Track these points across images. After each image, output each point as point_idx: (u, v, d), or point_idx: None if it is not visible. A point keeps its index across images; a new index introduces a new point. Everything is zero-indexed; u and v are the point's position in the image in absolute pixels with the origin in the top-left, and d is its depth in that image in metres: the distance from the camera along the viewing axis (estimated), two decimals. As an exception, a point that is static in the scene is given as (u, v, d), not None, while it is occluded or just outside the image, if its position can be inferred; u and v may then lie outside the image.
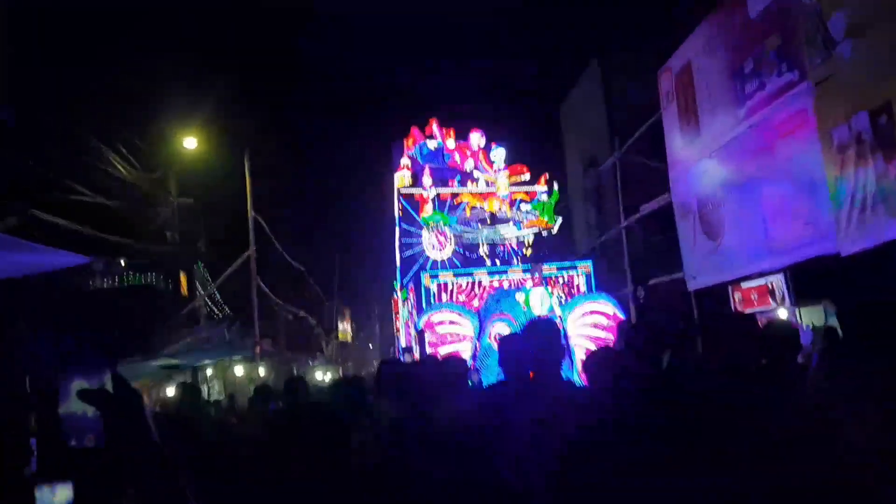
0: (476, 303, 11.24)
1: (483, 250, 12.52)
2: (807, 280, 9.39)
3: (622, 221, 16.36)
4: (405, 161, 15.67)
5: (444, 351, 10.33)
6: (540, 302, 9.78)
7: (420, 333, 10.67)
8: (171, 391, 14.40)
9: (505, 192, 13.00)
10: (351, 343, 41.72)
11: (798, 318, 9.60)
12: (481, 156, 14.25)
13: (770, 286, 10.18)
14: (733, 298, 11.30)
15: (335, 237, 31.39)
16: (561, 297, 11.55)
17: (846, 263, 8.35)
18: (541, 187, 13.06)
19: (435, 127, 14.24)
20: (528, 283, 10.79)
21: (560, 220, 12.43)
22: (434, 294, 11.21)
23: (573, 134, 22.32)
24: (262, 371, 20.76)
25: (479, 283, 11.35)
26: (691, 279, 12.75)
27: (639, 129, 15.35)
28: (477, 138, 13.75)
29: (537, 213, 12.22)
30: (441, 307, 10.63)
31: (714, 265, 11.72)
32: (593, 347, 10.66)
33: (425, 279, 11.20)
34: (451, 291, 11.26)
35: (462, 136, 14.45)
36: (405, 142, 16.01)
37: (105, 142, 13.13)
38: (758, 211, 10.14)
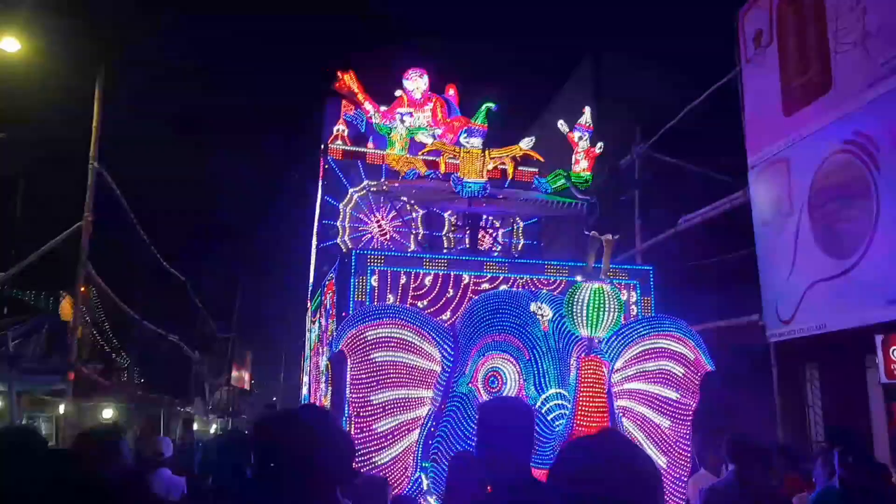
0: (447, 316, 6.22)
1: (449, 225, 7.55)
2: None
3: (638, 244, 11.69)
4: (339, 127, 10.76)
5: (380, 399, 5.20)
6: (598, 314, 4.71)
7: (336, 361, 5.50)
8: None
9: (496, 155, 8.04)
10: (250, 392, 35.31)
11: None
12: (438, 109, 9.42)
13: None
14: (885, 354, 6.58)
15: (237, 244, 23.73)
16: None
17: None
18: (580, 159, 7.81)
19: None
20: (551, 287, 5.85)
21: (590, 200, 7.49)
22: (374, 294, 6.10)
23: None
24: (107, 413, 14.86)
25: (459, 280, 6.36)
26: (776, 323, 8.09)
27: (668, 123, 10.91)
28: (423, 81, 8.87)
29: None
30: (385, 312, 5.50)
31: (838, 299, 7.07)
32: (656, 418, 5.76)
33: (359, 263, 6.10)
34: (404, 292, 6.17)
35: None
36: (343, 101, 11.06)
37: None
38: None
